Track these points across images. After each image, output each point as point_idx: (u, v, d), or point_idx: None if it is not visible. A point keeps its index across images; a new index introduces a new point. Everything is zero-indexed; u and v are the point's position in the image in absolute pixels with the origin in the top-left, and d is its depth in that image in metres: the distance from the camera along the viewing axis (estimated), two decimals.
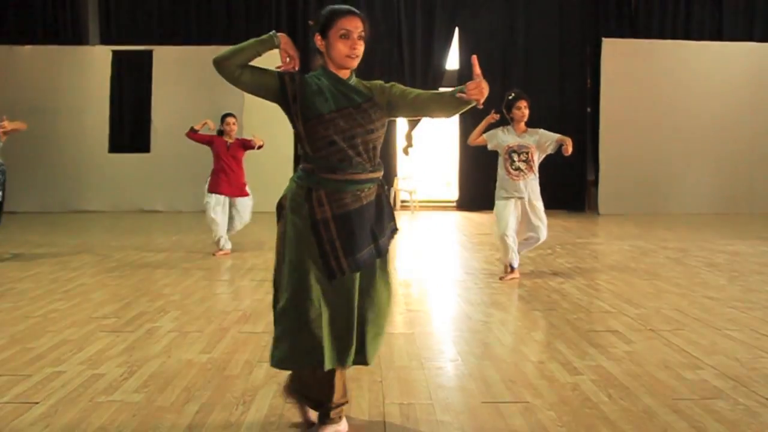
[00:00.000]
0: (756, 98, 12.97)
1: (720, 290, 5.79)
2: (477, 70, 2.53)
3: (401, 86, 2.71)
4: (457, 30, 13.42)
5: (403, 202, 13.45)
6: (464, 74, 13.37)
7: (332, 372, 2.66)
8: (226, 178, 7.49)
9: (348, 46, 2.58)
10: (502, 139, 6.13)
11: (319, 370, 2.59)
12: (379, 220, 2.69)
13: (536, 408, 3.09)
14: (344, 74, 2.67)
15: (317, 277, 2.60)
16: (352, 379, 3.45)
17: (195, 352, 3.94)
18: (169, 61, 12.75)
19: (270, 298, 5.61)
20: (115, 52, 12.96)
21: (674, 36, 13.46)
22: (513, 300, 5.42)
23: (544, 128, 6.26)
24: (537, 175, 6.16)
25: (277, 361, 2.67)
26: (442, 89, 2.75)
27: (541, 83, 13.27)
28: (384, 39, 13.35)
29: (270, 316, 4.90)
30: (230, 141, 7.56)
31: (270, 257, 7.74)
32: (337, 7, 2.64)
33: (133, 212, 12.57)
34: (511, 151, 6.09)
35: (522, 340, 4.26)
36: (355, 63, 2.64)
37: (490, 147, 6.24)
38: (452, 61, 13.55)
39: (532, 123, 6.23)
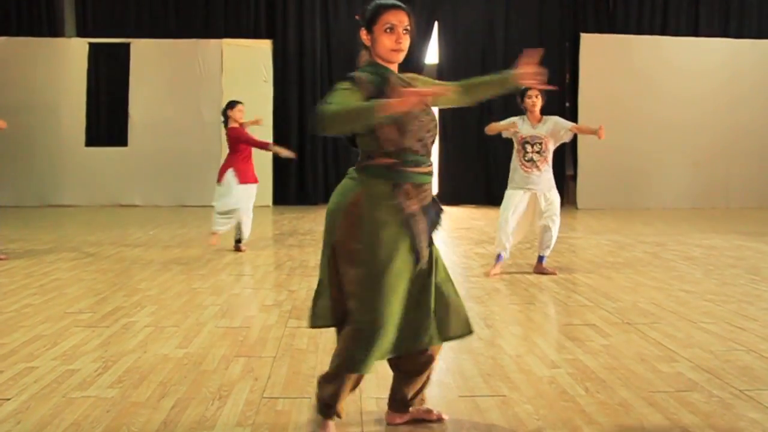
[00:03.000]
0: (731, 93, 13.12)
1: (696, 284, 5.84)
2: (530, 58, 2.52)
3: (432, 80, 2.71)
4: (436, 24, 13.41)
5: None
6: (443, 69, 13.38)
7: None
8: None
9: (393, 40, 2.55)
10: (520, 128, 6.04)
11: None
12: (434, 210, 2.67)
13: (513, 401, 3.10)
14: (392, 69, 2.64)
15: (401, 274, 2.55)
16: None
17: (171, 347, 3.91)
18: (146, 55, 12.61)
19: (248, 293, 5.58)
20: (92, 45, 12.78)
21: (651, 32, 13.57)
22: (491, 294, 5.43)
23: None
24: (550, 165, 6.09)
25: (366, 366, 2.55)
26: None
27: None
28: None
29: (248, 311, 4.89)
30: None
31: (252, 253, 7.64)
32: (382, 1, 2.60)
33: (110, 206, 12.44)
34: (524, 141, 6.00)
35: (499, 334, 4.27)
36: (401, 57, 2.61)
37: (504, 135, 6.17)
38: (431, 55, 13.54)
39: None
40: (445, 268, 2.77)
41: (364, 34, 2.62)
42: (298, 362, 3.65)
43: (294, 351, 3.86)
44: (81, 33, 13.18)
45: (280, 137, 12.89)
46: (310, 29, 13.23)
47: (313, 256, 7.16)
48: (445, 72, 13.32)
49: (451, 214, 12.01)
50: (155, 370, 3.51)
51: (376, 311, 2.49)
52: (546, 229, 6.15)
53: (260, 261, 6.94)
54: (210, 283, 5.85)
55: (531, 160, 5.99)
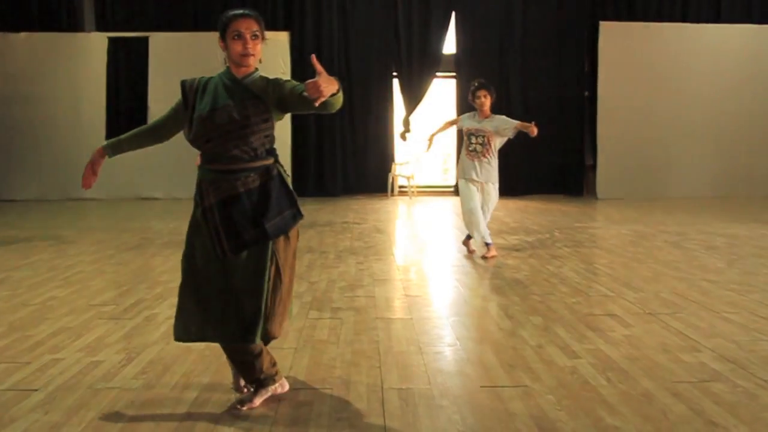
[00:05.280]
0: (754, 81, 12.91)
1: (718, 273, 5.79)
2: (318, 68, 2.53)
3: (293, 82, 2.83)
4: (453, 14, 13.33)
5: (400, 187, 13.41)
6: (461, 59, 13.31)
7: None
8: None
9: (241, 45, 2.79)
10: (465, 122, 6.72)
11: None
12: (264, 205, 2.80)
13: (535, 392, 3.10)
14: (243, 72, 2.85)
15: (204, 258, 2.83)
16: (351, 364, 3.46)
17: None
18: (165, 48, 12.66)
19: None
20: (111, 39, 12.85)
21: (672, 18, 13.38)
22: (511, 284, 5.42)
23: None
24: (495, 158, 6.62)
25: (175, 336, 2.95)
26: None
27: (538, 67, 13.22)
28: (381, 24, 13.27)
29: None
30: None
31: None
32: (232, 11, 2.86)
33: (131, 199, 12.54)
34: (469, 133, 6.62)
35: (520, 325, 4.26)
36: (251, 60, 2.83)
37: (457, 128, 6.94)
38: (449, 45, 13.46)
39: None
40: (275, 272, 2.83)
41: (220, 42, 2.85)
42: (319, 353, 3.67)
43: (315, 342, 3.87)
44: (100, 27, 13.25)
45: (298, 129, 12.94)
46: (328, 21, 13.21)
47: (333, 248, 7.18)
48: (463, 63, 13.25)
49: None
50: (178, 361, 3.54)
51: (180, 286, 2.91)
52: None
53: None
54: None
55: (474, 150, 6.59)
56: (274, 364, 3.00)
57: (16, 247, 7.32)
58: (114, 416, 2.84)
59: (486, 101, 6.52)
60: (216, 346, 3.76)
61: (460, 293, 5.24)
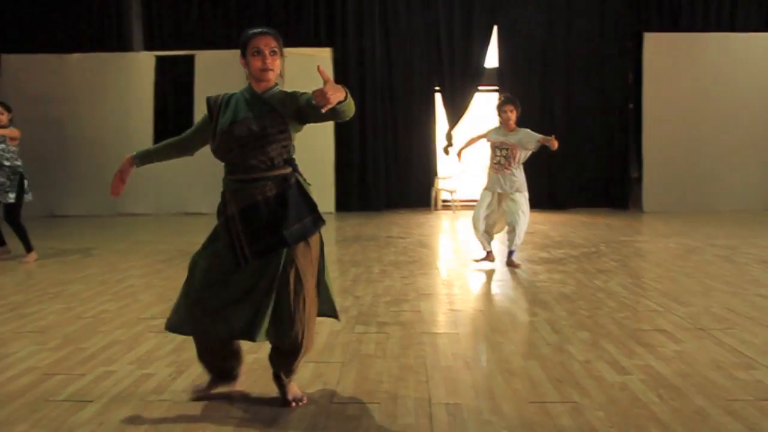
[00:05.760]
0: None
1: None
2: (324, 76, 2.65)
3: (309, 93, 2.89)
4: (495, 28, 13.31)
5: (444, 201, 13.40)
6: (504, 72, 13.28)
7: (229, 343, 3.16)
8: None
9: (260, 61, 2.93)
10: (491, 136, 6.89)
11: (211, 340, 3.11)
12: (283, 213, 2.91)
13: (585, 408, 3.06)
14: (263, 86, 3.00)
15: (221, 262, 2.99)
16: (398, 379, 3.46)
17: None
18: (210, 65, 12.91)
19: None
20: (158, 58, 13.19)
21: (718, 28, 13.14)
22: (558, 299, 5.36)
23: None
24: (519, 169, 6.76)
25: (169, 326, 3.13)
26: None
27: (581, 79, 13.11)
28: (422, 39, 13.33)
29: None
30: None
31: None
32: (251, 30, 2.98)
33: (177, 215, 12.78)
34: (495, 146, 6.81)
35: (568, 339, 4.21)
36: (270, 75, 2.96)
37: (485, 140, 7.01)
38: (491, 59, 13.43)
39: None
40: (296, 277, 2.95)
41: (241, 60, 3.00)
42: (366, 367, 3.68)
43: (362, 356, 3.89)
44: (148, 47, 13.61)
45: (341, 144, 13.04)
46: (370, 36, 13.31)
47: (377, 262, 7.20)
48: (506, 76, 13.21)
49: None
50: None
51: (186, 282, 3.10)
52: (511, 229, 6.75)
53: None
54: None
55: (499, 162, 6.76)
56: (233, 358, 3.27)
57: (70, 260, 7.53)
58: (166, 428, 2.89)
59: (512, 116, 6.69)
60: (264, 359, 3.80)
61: (506, 308, 5.20)
